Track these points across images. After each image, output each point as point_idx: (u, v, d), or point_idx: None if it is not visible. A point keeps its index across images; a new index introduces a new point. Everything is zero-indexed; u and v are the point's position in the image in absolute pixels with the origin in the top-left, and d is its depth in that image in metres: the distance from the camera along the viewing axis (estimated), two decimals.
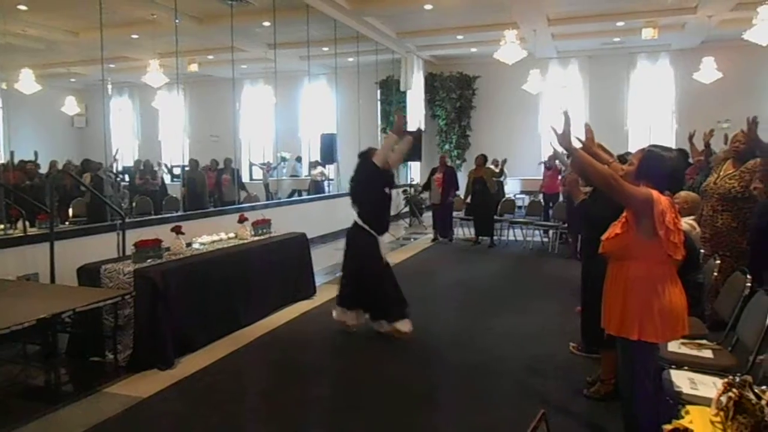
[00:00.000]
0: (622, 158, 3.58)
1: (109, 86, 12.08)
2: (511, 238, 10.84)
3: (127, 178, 12.61)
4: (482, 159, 10.60)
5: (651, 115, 14.89)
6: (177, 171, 12.88)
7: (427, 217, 12.93)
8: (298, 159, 16.15)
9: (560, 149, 5.66)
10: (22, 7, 9.92)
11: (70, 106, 14.35)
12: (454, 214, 11.05)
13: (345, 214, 10.86)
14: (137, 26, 11.27)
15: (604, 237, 2.88)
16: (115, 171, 11.08)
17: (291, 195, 13.83)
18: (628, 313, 2.77)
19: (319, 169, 13.72)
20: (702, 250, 4.80)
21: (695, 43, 13.38)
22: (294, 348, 5.08)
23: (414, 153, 13.54)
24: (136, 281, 4.54)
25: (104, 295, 4.30)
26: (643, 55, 14.78)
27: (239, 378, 4.42)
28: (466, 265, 8.84)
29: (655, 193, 2.70)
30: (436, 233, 11.07)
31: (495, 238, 10.54)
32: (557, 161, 11.24)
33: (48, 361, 4.58)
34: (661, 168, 2.79)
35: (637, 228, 2.73)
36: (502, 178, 12.08)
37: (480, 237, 10.57)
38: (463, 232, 11.27)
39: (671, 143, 13.86)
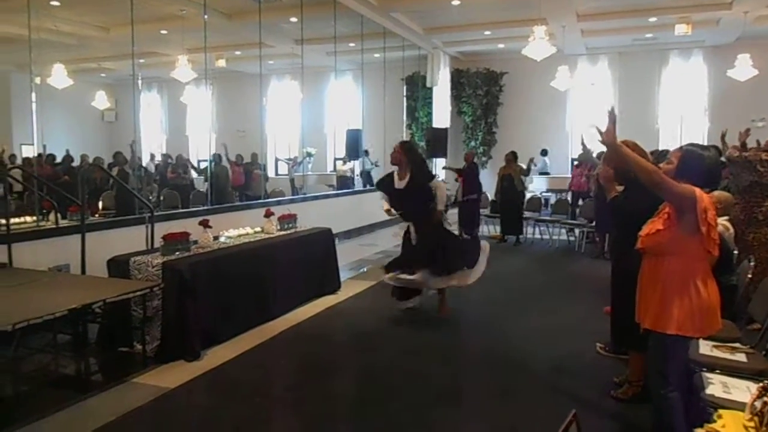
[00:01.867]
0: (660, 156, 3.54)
1: (139, 81, 12.22)
2: (537, 236, 10.74)
3: (154, 171, 12.76)
4: (512, 156, 10.46)
5: (683, 113, 14.60)
6: (203, 165, 13.00)
7: (452, 213, 12.87)
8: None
9: (590, 146, 5.60)
10: (55, 3, 10.10)
11: (101, 100, 14.58)
12: (481, 211, 10.98)
13: (370, 210, 10.87)
14: (167, 22, 11.39)
15: (643, 233, 2.89)
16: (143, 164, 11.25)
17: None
18: (665, 307, 2.77)
19: (348, 165, 13.73)
20: (735, 252, 4.71)
21: (730, 39, 13.06)
22: (318, 342, 5.10)
23: (439, 149, 13.54)
24: (165, 273, 4.59)
25: (133, 286, 4.36)
26: (675, 52, 14.49)
27: (264, 371, 4.45)
28: (492, 262, 8.73)
29: (697, 190, 2.72)
30: (461, 230, 11.01)
31: (521, 236, 10.45)
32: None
33: (78, 351, 4.68)
34: (700, 166, 2.82)
35: (679, 224, 2.74)
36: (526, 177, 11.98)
37: (506, 235, 10.49)
38: (488, 229, 11.19)
39: (703, 142, 13.60)
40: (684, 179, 2.78)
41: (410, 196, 5.44)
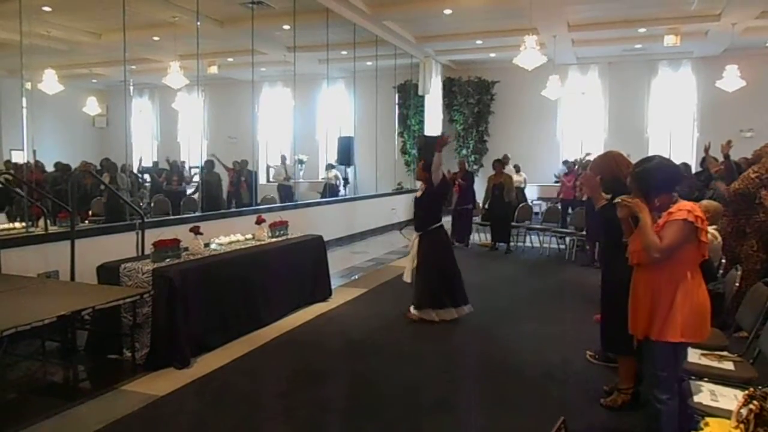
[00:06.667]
0: None
1: (131, 87, 12.21)
2: (528, 244, 10.78)
3: (147, 178, 12.72)
4: (500, 165, 10.54)
5: (672, 123, 14.75)
6: (194, 171, 12.95)
7: (445, 221, 12.89)
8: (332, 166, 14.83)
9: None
10: (47, 9, 10.08)
11: (92, 106, 14.54)
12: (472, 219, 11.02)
13: (362, 217, 10.93)
14: (159, 29, 11.40)
15: (637, 248, 2.90)
16: (137, 171, 11.22)
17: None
18: (669, 316, 2.81)
19: (334, 171, 13.72)
20: (723, 260, 4.75)
21: (718, 50, 13.22)
22: (309, 350, 5.09)
23: (430, 158, 13.56)
24: (155, 280, 4.57)
25: (123, 293, 4.34)
26: (664, 63, 14.64)
27: (255, 379, 4.44)
28: (483, 270, 8.80)
29: (686, 207, 2.76)
30: (453, 238, 11.02)
31: (512, 244, 10.50)
32: (576, 166, 11.16)
33: (67, 358, 4.65)
34: (656, 176, 2.88)
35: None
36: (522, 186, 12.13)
37: (497, 243, 10.52)
38: (479, 237, 11.23)
39: (692, 151, 13.74)
40: (656, 195, 2.86)
41: (424, 203, 6.07)
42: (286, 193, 12.87)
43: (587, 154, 10.93)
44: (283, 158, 13.76)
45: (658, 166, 2.91)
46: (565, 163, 12.44)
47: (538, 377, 4.40)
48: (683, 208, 2.78)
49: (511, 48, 11.78)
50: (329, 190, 13.24)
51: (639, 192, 2.92)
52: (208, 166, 10.76)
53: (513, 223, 10.50)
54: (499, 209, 10.36)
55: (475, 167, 15.58)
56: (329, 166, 13.86)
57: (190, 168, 14.17)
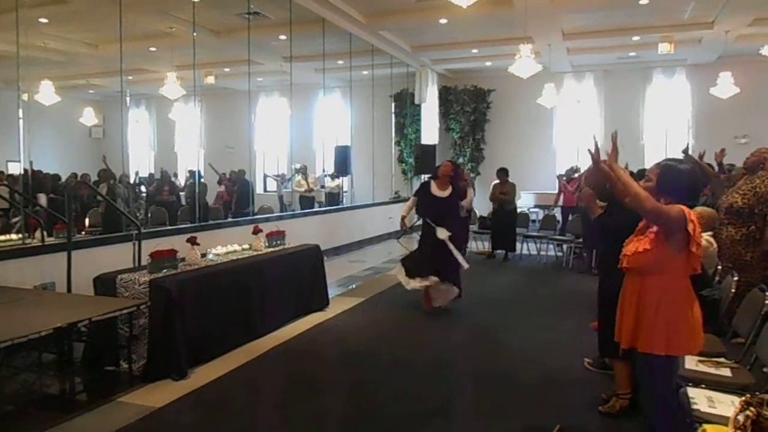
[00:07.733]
0: (641, 175, 3.58)
1: (128, 98, 12.19)
2: (525, 252, 10.79)
3: (143, 189, 12.70)
4: (504, 174, 10.62)
5: (667, 130, 14.80)
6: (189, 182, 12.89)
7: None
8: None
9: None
10: (43, 20, 10.10)
11: (88, 117, 14.53)
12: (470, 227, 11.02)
13: (359, 226, 10.94)
14: (155, 39, 11.42)
15: (628, 252, 2.88)
16: (133, 182, 11.20)
17: None
18: (654, 328, 2.77)
19: (336, 181, 13.73)
20: (719, 266, 4.76)
21: (712, 58, 13.30)
22: (307, 360, 5.08)
23: (427, 166, 13.60)
24: (152, 291, 4.56)
25: (120, 304, 4.33)
26: (659, 70, 14.70)
27: (252, 389, 4.43)
28: (481, 278, 8.80)
29: (685, 208, 2.74)
30: None
31: (509, 252, 10.51)
32: (575, 173, 11.18)
33: (63, 370, 4.63)
34: (680, 181, 2.84)
35: (667, 243, 2.75)
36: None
37: (495, 251, 10.54)
38: (476, 245, 11.23)
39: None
40: (665, 195, 2.81)
41: (452, 204, 6.67)
42: (308, 205, 12.57)
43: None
44: (304, 168, 13.38)
45: (685, 172, 2.86)
46: (561, 175, 12.42)
47: (537, 384, 4.40)
48: (685, 209, 2.76)
49: (507, 56, 11.82)
50: (331, 200, 13.22)
51: (657, 183, 2.87)
52: (194, 176, 10.72)
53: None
54: (504, 217, 10.40)
55: (472, 175, 15.59)
56: (333, 176, 13.80)
57: (187, 178, 14.14)
